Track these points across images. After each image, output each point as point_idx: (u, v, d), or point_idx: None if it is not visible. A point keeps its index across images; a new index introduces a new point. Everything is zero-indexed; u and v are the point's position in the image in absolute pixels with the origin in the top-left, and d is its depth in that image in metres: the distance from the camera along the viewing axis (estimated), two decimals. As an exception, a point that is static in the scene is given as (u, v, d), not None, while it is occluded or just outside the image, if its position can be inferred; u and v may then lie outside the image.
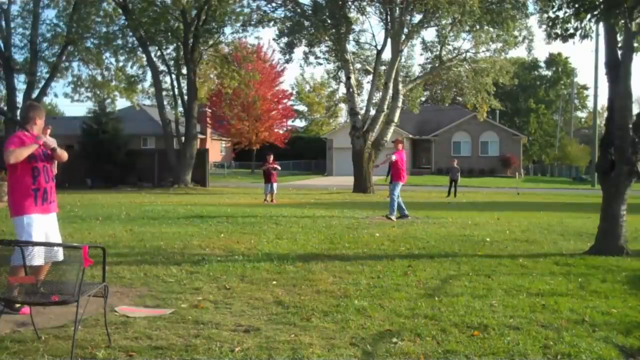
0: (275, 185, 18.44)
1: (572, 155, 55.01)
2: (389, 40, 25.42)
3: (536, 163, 61.75)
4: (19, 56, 26.22)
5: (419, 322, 4.70)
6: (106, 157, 26.13)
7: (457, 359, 3.92)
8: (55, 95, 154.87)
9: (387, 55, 27.13)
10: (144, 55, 27.02)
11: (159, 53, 27.81)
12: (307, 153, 54.46)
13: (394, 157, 12.68)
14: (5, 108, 25.67)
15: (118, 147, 26.98)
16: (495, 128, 48.57)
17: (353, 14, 26.46)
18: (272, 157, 18.71)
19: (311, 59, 26.83)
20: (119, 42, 26.97)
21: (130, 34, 26.40)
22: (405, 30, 25.08)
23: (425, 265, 7.18)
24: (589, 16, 8.18)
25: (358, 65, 28.37)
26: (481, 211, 15.68)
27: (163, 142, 29.16)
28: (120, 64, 27.97)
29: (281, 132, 52.62)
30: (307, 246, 8.61)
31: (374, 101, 27.06)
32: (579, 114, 77.76)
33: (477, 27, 24.49)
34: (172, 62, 28.07)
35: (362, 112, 25.96)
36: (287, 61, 27.34)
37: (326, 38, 25.35)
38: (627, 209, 8.22)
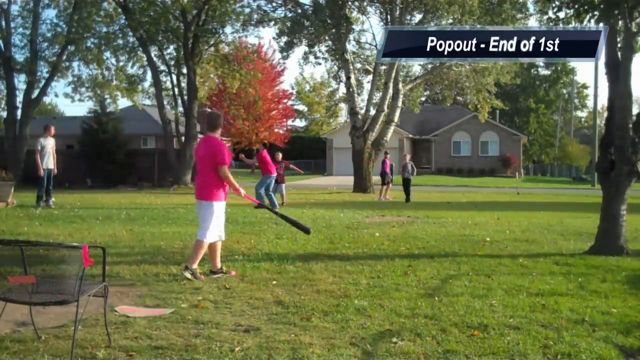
0: (284, 186, 17.10)
1: (572, 155, 55.02)
2: (389, 40, 25.36)
3: (536, 163, 61.75)
4: (19, 56, 26.19)
5: (419, 322, 4.70)
6: (106, 157, 26.09)
7: (457, 359, 3.92)
8: (56, 95, 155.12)
9: (387, 55, 27.07)
10: (144, 55, 26.99)
11: (159, 53, 27.81)
12: (307, 153, 54.45)
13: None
14: (6, 108, 25.65)
15: (118, 147, 26.96)
16: (495, 128, 48.55)
17: (353, 14, 26.45)
18: (280, 156, 17.02)
19: (311, 58, 26.82)
20: (119, 42, 26.95)
21: (131, 33, 26.37)
22: (406, 30, 25.06)
23: (425, 265, 7.18)
24: (588, 16, 8.17)
25: (358, 65, 28.33)
26: (481, 211, 15.67)
27: (163, 142, 29.15)
28: (121, 63, 27.96)
29: (281, 132, 52.59)
30: (307, 246, 8.62)
31: (374, 101, 27.01)
32: (579, 113, 77.79)
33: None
34: (172, 62, 28.06)
35: (362, 112, 25.92)
36: (285, 57, 27.19)
37: (326, 38, 25.33)
38: (627, 209, 8.23)
